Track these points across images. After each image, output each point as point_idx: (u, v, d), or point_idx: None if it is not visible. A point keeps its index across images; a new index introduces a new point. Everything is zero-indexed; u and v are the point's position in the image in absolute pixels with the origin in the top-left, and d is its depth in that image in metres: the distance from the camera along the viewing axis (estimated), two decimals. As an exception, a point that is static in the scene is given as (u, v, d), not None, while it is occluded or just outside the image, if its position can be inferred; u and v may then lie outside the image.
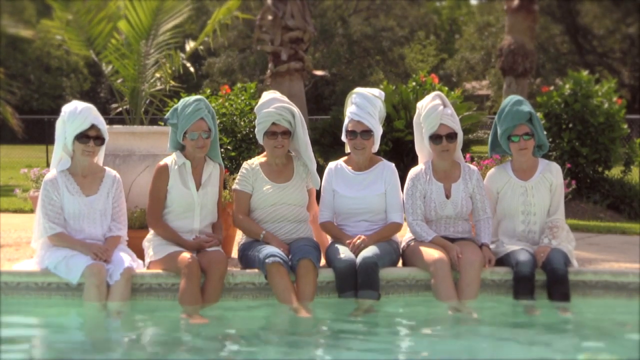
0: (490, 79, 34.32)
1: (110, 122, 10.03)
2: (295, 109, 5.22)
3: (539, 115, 9.53)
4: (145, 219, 5.31)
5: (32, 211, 7.58)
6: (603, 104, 10.43)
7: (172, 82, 7.44)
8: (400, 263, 5.31)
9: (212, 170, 5.20)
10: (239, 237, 5.40)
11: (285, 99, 5.29)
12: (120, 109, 7.30)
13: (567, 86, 10.66)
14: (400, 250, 5.30)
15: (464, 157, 5.54)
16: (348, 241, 5.05)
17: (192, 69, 7.67)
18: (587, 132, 10.38)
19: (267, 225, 5.13)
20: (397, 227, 5.24)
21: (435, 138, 5.19)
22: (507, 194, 5.29)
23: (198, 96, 5.27)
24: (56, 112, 5.40)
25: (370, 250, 4.93)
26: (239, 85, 10.87)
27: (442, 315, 4.78)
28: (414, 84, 11.26)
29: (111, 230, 5.08)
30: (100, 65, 7.36)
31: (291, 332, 4.51)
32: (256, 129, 5.25)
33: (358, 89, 5.41)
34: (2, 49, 30.47)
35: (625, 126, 10.69)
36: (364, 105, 5.23)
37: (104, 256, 4.81)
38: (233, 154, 9.68)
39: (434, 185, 5.24)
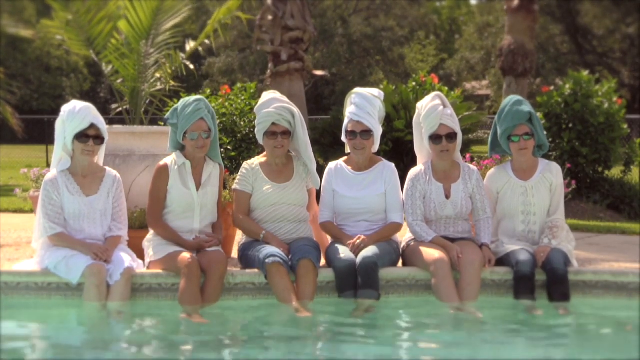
0: (490, 79, 34.29)
1: (110, 122, 10.02)
2: (295, 109, 5.22)
3: (539, 115, 9.53)
4: (145, 219, 5.31)
5: (32, 211, 7.59)
6: (603, 104, 10.42)
7: (172, 82, 7.44)
8: (400, 263, 5.31)
9: (212, 170, 5.20)
10: (239, 237, 5.40)
11: (285, 99, 5.29)
12: (120, 109, 7.30)
13: (567, 86, 10.66)
14: (400, 250, 5.30)
15: (464, 157, 5.54)
16: (348, 241, 5.05)
17: (192, 68, 7.66)
18: (587, 132, 10.38)
19: (267, 225, 5.13)
20: (397, 227, 5.24)
21: (435, 138, 5.19)
22: (507, 194, 5.29)
23: (198, 96, 5.27)
24: (56, 112, 5.40)
25: (370, 250, 4.93)
26: (239, 85, 10.87)
27: (443, 315, 4.77)
28: (414, 84, 11.26)
29: (111, 230, 5.07)
30: (100, 65, 7.36)
31: (291, 332, 4.50)
32: (256, 129, 5.25)
33: (357, 89, 5.40)
34: (2, 49, 30.46)
35: (625, 126, 10.69)
36: (364, 105, 5.23)
37: (104, 256, 4.81)
38: (233, 154, 9.68)
39: (434, 186, 5.24)
